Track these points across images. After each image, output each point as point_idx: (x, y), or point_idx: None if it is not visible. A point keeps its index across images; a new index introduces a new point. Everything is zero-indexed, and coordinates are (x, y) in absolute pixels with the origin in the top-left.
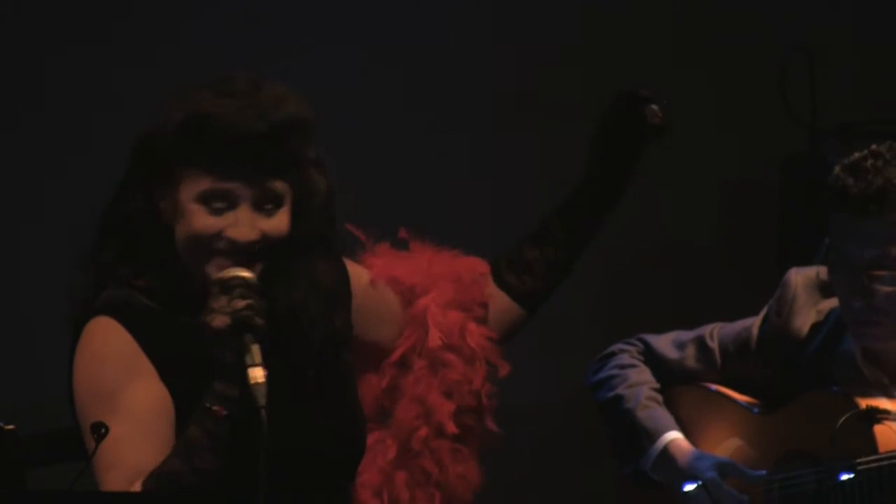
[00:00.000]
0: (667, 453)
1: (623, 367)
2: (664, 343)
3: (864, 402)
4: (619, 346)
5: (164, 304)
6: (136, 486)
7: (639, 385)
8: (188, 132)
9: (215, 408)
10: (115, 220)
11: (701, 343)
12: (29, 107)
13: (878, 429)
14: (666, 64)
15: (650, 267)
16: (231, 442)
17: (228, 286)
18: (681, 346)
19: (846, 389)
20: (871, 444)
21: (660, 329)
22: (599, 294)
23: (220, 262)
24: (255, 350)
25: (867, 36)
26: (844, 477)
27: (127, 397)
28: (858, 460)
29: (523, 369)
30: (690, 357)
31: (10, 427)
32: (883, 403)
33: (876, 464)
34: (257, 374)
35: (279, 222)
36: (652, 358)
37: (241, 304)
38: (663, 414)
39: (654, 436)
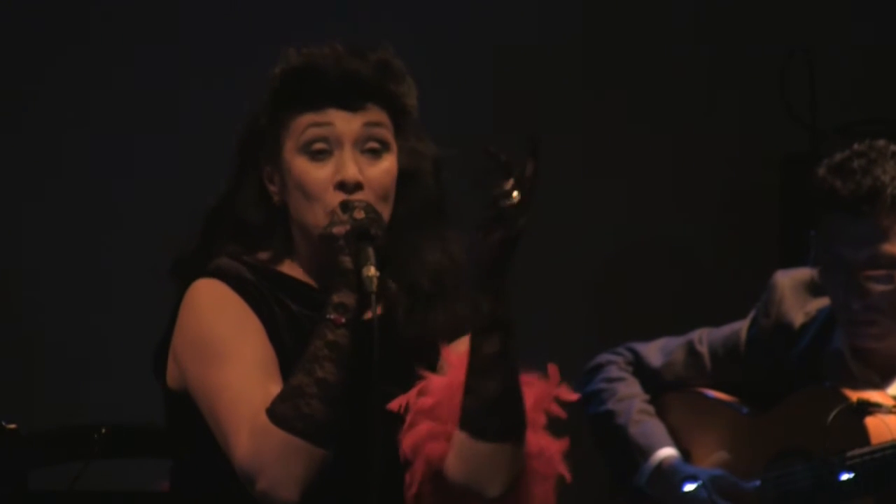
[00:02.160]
0: (661, 470)
1: (611, 380)
2: (652, 350)
3: (854, 396)
4: (607, 356)
5: (264, 281)
6: (262, 415)
7: (628, 399)
8: (285, 83)
9: (332, 316)
10: (227, 212)
11: (690, 348)
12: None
13: (870, 421)
14: (666, 64)
15: (650, 267)
16: (351, 353)
17: (350, 205)
18: (669, 352)
19: (836, 384)
20: (863, 436)
21: (660, 329)
22: (599, 294)
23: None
24: (371, 253)
25: (867, 36)
26: (844, 477)
27: (244, 343)
28: (851, 453)
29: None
30: (679, 363)
31: (12, 426)
32: (874, 396)
33: (869, 456)
34: (370, 270)
35: (385, 169)
36: (640, 366)
37: (361, 214)
38: (655, 428)
39: (646, 453)
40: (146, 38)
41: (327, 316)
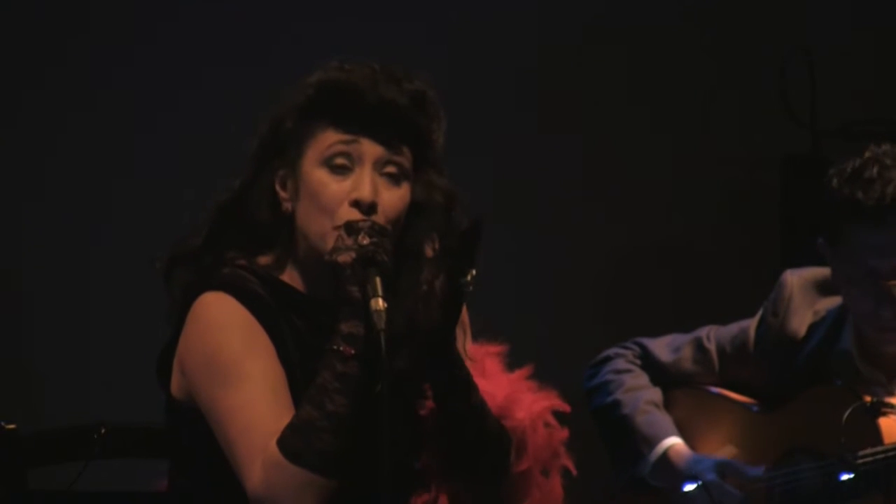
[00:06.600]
0: (665, 459)
1: (618, 371)
2: (661, 346)
3: (868, 396)
4: (615, 350)
5: (272, 294)
6: (272, 446)
7: (636, 390)
8: (320, 94)
9: (342, 348)
10: (236, 210)
11: (698, 345)
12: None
13: (884, 421)
14: (666, 64)
15: (651, 267)
16: (363, 385)
17: (355, 228)
18: (677, 349)
19: (847, 384)
20: (876, 436)
21: (660, 329)
22: (600, 294)
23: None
24: (378, 283)
25: (867, 36)
26: (845, 477)
27: (254, 364)
28: (862, 452)
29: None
30: (687, 360)
31: (11, 427)
32: (886, 398)
33: (882, 454)
34: (378, 303)
35: (400, 196)
36: (648, 362)
37: (366, 240)
38: (662, 419)
39: (652, 442)
40: (146, 38)
41: (336, 347)
